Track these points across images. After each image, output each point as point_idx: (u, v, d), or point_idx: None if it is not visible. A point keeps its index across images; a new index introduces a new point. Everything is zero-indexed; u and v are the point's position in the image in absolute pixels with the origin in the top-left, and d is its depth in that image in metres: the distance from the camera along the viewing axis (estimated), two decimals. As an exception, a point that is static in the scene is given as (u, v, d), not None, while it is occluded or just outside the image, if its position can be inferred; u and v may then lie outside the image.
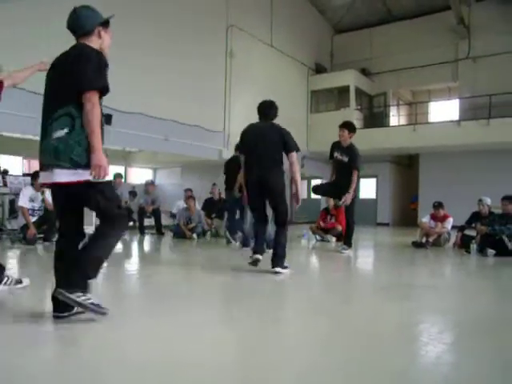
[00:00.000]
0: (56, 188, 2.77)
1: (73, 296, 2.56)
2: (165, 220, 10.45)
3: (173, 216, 10.34)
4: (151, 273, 4.88)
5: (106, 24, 2.88)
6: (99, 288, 3.69)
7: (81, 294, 2.59)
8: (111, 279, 4.32)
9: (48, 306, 2.77)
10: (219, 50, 13.42)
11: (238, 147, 7.21)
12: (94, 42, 2.79)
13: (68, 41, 2.83)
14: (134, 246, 8.04)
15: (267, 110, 5.32)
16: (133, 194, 11.01)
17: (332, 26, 19.48)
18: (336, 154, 7.00)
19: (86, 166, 2.58)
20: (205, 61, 12.61)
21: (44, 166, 2.71)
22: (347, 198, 6.75)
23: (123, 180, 12.28)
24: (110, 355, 2.20)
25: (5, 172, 10.47)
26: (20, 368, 1.99)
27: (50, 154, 2.63)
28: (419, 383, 1.95)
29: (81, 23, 2.77)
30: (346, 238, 7.14)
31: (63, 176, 2.61)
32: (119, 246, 7.91)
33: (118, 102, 10.39)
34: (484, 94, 14.47)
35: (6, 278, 3.54)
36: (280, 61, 15.93)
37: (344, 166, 6.88)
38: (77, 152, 2.59)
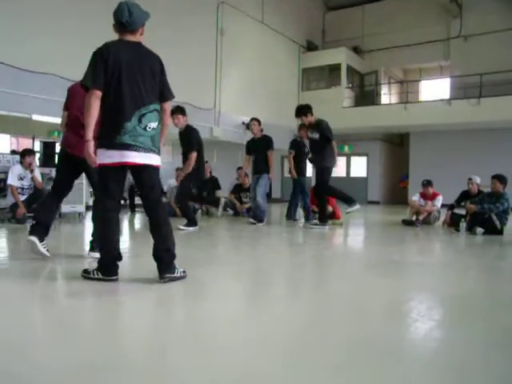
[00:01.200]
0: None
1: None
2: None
3: (163, 194, 10.30)
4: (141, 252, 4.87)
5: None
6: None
7: None
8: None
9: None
10: (210, 26, 13.27)
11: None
12: (137, 39, 3.22)
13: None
14: (125, 225, 8.02)
15: None
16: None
17: (324, 3, 19.28)
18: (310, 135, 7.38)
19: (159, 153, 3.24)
20: (195, 37, 12.45)
21: (136, 148, 3.06)
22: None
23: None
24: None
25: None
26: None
27: (146, 140, 3.09)
28: (409, 359, 1.98)
29: (133, 20, 3.11)
30: (320, 214, 7.35)
31: (154, 159, 3.19)
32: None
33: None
34: (475, 73, 14.45)
35: None
36: (271, 38, 15.78)
37: (316, 143, 7.20)
38: (158, 142, 3.22)
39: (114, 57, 3.04)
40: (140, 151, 3.06)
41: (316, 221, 7.40)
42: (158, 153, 3.23)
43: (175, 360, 1.90)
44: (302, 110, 7.25)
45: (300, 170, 8.31)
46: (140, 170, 3.17)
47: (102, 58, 3.02)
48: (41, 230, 3.89)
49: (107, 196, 3.17)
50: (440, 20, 16.65)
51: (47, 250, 3.91)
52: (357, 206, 7.13)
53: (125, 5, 3.08)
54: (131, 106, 3.03)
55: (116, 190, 3.21)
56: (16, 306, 2.65)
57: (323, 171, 7.17)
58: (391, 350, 2.04)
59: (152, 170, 3.21)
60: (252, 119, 8.08)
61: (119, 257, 3.24)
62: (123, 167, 3.15)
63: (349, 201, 7.15)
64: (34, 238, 3.81)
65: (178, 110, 6.90)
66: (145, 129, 3.06)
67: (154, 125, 3.11)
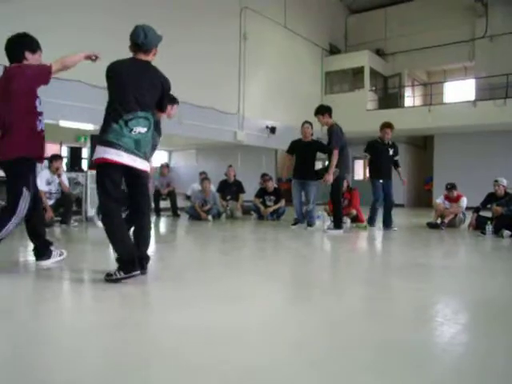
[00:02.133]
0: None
1: None
2: (180, 202, 10.53)
3: (188, 198, 10.42)
4: (169, 255, 4.95)
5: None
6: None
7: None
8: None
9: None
10: (233, 32, 13.36)
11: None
12: (150, 58, 3.51)
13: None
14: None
15: None
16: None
17: (346, 6, 19.24)
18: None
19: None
20: (219, 43, 12.57)
21: (117, 146, 3.23)
22: (326, 178, 6.95)
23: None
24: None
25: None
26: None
27: (130, 142, 3.25)
28: (434, 363, 1.98)
29: (148, 42, 3.42)
30: (334, 219, 7.25)
31: (138, 163, 3.33)
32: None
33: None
34: (501, 73, 14.21)
35: (55, 252, 3.88)
36: (294, 42, 15.80)
37: (327, 148, 7.22)
38: (146, 149, 3.39)
39: (115, 70, 3.40)
40: (120, 150, 3.21)
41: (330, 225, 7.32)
42: (145, 158, 3.38)
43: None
44: (320, 109, 7.24)
45: (378, 172, 7.97)
46: (126, 171, 3.33)
47: (106, 74, 3.42)
48: (41, 248, 3.89)
49: (107, 196, 3.31)
50: (465, 20, 16.44)
51: (60, 254, 3.95)
52: (339, 232, 7.05)
53: (141, 28, 3.40)
54: (120, 110, 3.26)
55: (112, 188, 3.31)
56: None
57: (336, 179, 7.03)
58: (416, 354, 2.04)
59: (137, 172, 3.37)
60: (306, 122, 8.01)
61: (143, 256, 3.44)
62: (114, 166, 3.26)
63: (339, 225, 7.14)
64: (45, 262, 3.85)
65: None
66: (130, 131, 3.24)
67: (141, 129, 3.29)
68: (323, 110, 7.16)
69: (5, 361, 1.88)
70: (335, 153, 6.90)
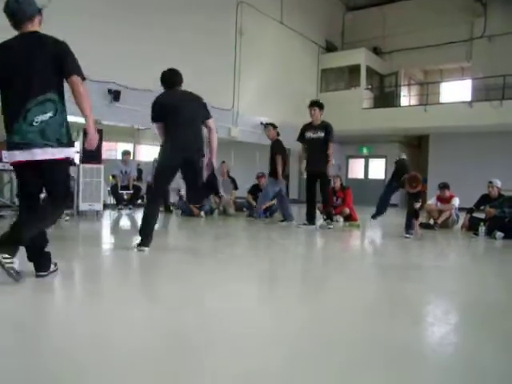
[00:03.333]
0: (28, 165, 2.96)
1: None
2: (173, 198, 10.46)
3: (181, 198, 10.32)
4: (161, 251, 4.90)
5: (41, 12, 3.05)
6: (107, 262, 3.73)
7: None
8: (120, 254, 4.37)
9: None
10: (229, 27, 13.28)
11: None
12: (37, 28, 3.00)
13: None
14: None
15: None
16: (138, 171, 11.01)
17: (343, 4, 19.18)
18: (309, 134, 7.36)
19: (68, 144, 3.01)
20: (214, 38, 12.48)
21: (23, 145, 2.89)
22: (330, 169, 7.23)
23: (131, 157, 12.27)
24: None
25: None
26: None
27: (35, 136, 2.87)
28: (424, 362, 1.95)
29: (22, 8, 2.92)
30: (326, 215, 7.52)
31: (50, 153, 2.92)
32: (128, 223, 7.95)
33: (126, 79, 10.36)
34: (498, 74, 14.20)
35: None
36: (290, 39, 15.73)
37: (320, 143, 7.22)
38: (56, 133, 2.94)
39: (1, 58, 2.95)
40: (30, 148, 2.89)
41: (327, 220, 7.44)
42: (60, 144, 2.97)
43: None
44: (321, 104, 7.43)
45: None
46: (38, 167, 2.97)
47: None
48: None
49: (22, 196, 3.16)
50: (463, 20, 16.38)
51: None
52: (312, 227, 7.30)
53: None
54: (16, 104, 2.89)
55: (30, 189, 3.11)
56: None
57: (326, 175, 7.28)
58: (407, 353, 2.01)
59: (51, 164, 2.97)
60: (268, 124, 8.33)
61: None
62: (24, 166, 2.97)
63: (312, 219, 7.39)
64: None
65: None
66: (31, 124, 2.87)
67: (42, 117, 2.88)
68: (323, 105, 7.40)
69: None
70: (332, 146, 7.22)
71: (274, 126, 8.16)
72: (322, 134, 7.21)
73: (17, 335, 2.13)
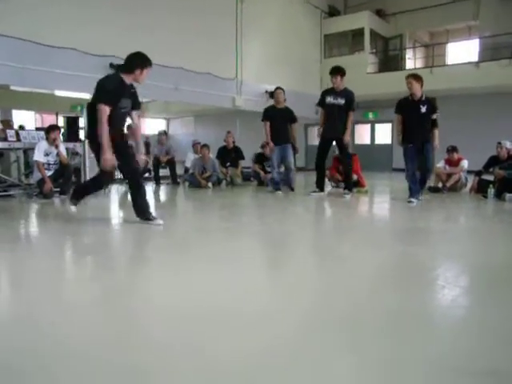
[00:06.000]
0: None
1: None
2: (180, 170, 10.47)
3: (186, 172, 10.32)
4: (169, 223, 4.93)
5: None
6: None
7: None
8: (129, 227, 4.40)
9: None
10: (229, -6, 13.00)
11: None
12: None
13: None
14: (150, 196, 8.09)
15: None
16: (146, 145, 11.00)
17: (345, -35, 18.68)
18: (329, 99, 7.22)
19: None
20: (214, 6, 12.24)
21: None
22: (346, 138, 7.17)
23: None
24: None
25: (21, 127, 10.48)
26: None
27: None
28: (435, 325, 1.97)
29: None
30: (346, 183, 7.48)
31: None
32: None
33: (126, 51, 10.24)
34: (506, 32, 13.84)
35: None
36: (292, 4, 15.40)
37: (339, 110, 7.14)
38: None
39: None
40: None
41: (346, 190, 7.37)
42: None
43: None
44: (343, 70, 7.27)
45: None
46: None
47: None
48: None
49: None
50: (469, -24, 15.90)
51: None
52: (322, 194, 7.38)
53: None
54: None
55: None
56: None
57: (347, 141, 7.25)
58: (418, 317, 2.03)
59: None
60: (277, 88, 8.08)
61: None
62: None
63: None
64: None
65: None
66: None
67: None
68: (344, 73, 7.26)
69: None
70: (352, 114, 7.23)
71: (283, 91, 8.02)
72: (342, 101, 7.12)
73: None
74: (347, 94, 7.19)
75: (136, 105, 4.55)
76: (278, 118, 7.84)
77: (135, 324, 1.97)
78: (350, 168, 7.52)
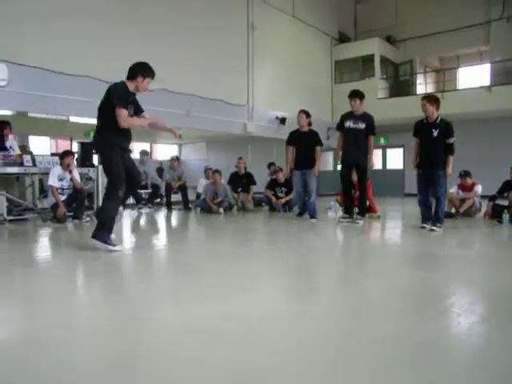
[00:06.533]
0: None
1: None
2: (191, 195, 10.51)
3: (198, 197, 10.36)
4: (182, 248, 4.92)
5: None
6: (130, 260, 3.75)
7: None
8: (141, 252, 4.39)
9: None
10: (241, 22, 13.25)
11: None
12: None
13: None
14: (162, 222, 8.11)
15: None
16: (159, 170, 11.09)
17: (355, -7, 18.98)
18: (348, 124, 7.14)
19: None
20: (226, 34, 12.47)
21: None
22: (371, 163, 7.11)
23: (149, 157, 12.33)
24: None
25: (30, 154, 10.64)
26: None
27: None
28: (452, 354, 1.92)
29: None
30: (360, 208, 7.33)
31: None
32: (148, 222, 8.00)
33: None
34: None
35: None
36: (302, 31, 15.63)
37: (360, 133, 7.06)
38: None
39: None
40: None
41: (358, 216, 7.28)
42: None
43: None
44: (362, 94, 7.27)
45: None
46: None
47: None
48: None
49: None
50: (479, 2, 16.01)
51: None
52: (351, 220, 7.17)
53: None
54: None
55: None
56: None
57: (366, 167, 7.17)
58: (434, 345, 1.98)
59: None
60: (299, 111, 7.89)
61: None
62: None
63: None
64: None
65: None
66: None
67: None
68: (363, 96, 7.26)
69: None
70: (373, 138, 7.17)
71: (308, 114, 7.77)
72: (362, 126, 7.05)
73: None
74: (367, 118, 7.14)
75: (138, 111, 4.63)
76: (300, 142, 7.68)
77: (143, 349, 1.95)
78: (366, 194, 7.44)
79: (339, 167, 7.54)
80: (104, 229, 4.30)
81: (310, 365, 1.77)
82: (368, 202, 8.36)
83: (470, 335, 2.14)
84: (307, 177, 7.60)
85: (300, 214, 7.88)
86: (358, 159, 7.07)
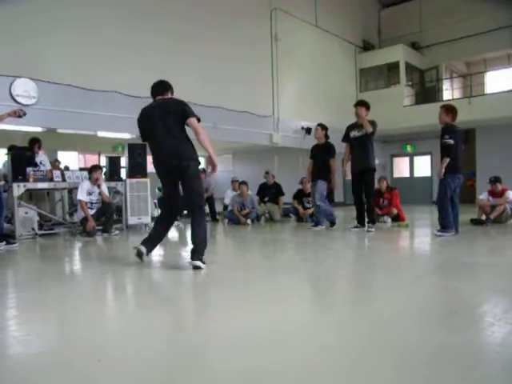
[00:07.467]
0: None
1: None
2: (219, 207, 10.57)
3: (225, 209, 10.42)
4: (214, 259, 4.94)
5: None
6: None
7: None
8: (171, 267, 4.43)
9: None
10: (264, 34, 13.33)
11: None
12: None
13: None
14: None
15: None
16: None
17: (378, 0, 18.91)
18: (353, 133, 7.33)
19: None
20: (250, 46, 12.58)
21: None
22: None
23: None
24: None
25: (66, 168, 10.88)
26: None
27: None
28: (486, 364, 1.88)
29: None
30: (369, 216, 7.33)
31: None
32: (174, 234, 8.07)
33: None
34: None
35: None
36: (326, 41, 15.64)
37: (364, 140, 7.19)
38: None
39: None
40: None
41: (369, 224, 7.29)
42: None
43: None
44: (366, 103, 7.32)
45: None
46: None
47: None
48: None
49: None
50: (504, 3, 15.72)
51: None
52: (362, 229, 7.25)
53: None
54: None
55: None
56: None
57: (373, 172, 7.28)
58: (468, 355, 1.95)
59: None
60: (317, 125, 8.13)
61: None
62: None
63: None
64: None
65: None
66: None
67: None
68: (369, 105, 7.29)
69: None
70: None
71: (323, 127, 7.99)
72: (370, 129, 7.12)
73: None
74: (370, 123, 7.17)
75: None
76: (317, 155, 7.91)
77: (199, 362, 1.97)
78: (372, 201, 7.41)
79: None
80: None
81: (337, 372, 1.76)
82: (396, 211, 8.30)
83: (504, 346, 2.08)
84: (316, 187, 7.77)
85: (314, 224, 7.87)
86: (365, 164, 7.16)
